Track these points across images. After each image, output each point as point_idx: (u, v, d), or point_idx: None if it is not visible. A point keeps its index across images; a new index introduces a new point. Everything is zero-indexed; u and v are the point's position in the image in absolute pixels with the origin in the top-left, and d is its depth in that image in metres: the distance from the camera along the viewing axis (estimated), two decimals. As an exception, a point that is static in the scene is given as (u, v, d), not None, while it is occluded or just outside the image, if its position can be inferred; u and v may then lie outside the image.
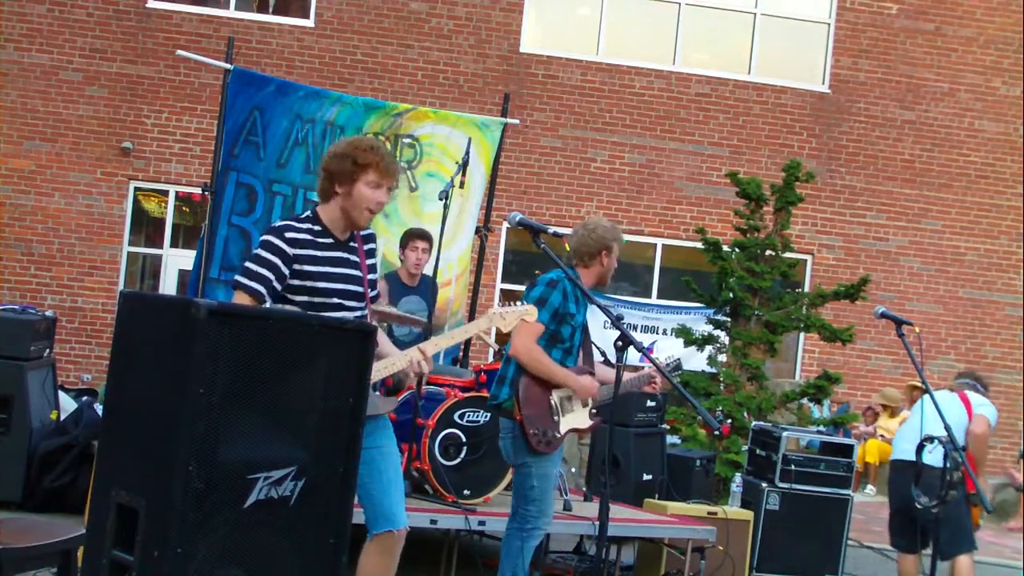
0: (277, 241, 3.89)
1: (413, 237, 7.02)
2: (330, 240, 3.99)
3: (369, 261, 4.12)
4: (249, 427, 3.21)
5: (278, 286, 3.89)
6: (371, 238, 4.20)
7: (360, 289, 4.04)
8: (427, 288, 6.90)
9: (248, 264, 3.91)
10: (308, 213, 4.07)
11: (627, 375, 5.24)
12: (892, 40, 14.14)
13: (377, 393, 4.11)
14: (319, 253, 3.95)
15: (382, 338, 4.19)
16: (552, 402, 5.03)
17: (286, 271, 3.89)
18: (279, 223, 4.03)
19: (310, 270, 3.92)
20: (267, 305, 3.87)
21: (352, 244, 4.07)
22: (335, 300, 3.96)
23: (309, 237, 3.94)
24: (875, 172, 14.08)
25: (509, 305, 4.46)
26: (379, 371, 3.99)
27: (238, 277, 3.92)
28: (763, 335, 9.65)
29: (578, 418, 5.14)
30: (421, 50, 13.40)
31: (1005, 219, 14.23)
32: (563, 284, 5.02)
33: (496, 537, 6.04)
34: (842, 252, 14.02)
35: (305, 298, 3.92)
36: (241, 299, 3.86)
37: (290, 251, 3.89)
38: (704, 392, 9.60)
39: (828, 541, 7.35)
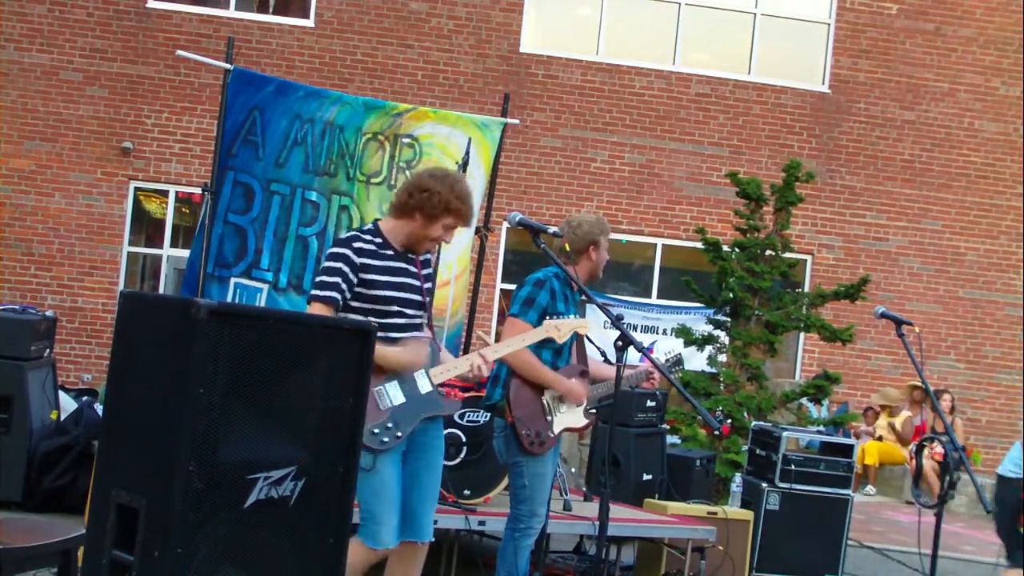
0: (346, 251, 4.13)
1: None
2: (390, 252, 4.23)
3: (425, 271, 4.37)
4: (249, 427, 3.22)
5: (348, 294, 4.12)
6: (428, 262, 4.47)
7: (419, 298, 4.28)
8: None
9: (322, 277, 4.13)
10: (370, 226, 4.30)
11: (626, 372, 5.24)
12: (892, 40, 14.14)
13: (443, 395, 4.36)
14: (382, 263, 4.18)
15: (439, 345, 4.48)
16: (545, 402, 5.02)
17: (354, 279, 4.12)
18: (347, 234, 4.28)
19: (373, 279, 4.13)
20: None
21: (410, 255, 4.30)
22: (395, 308, 4.19)
23: (373, 248, 4.19)
24: (875, 172, 14.08)
25: (562, 317, 4.71)
26: (441, 374, 4.29)
27: (314, 291, 4.12)
28: (763, 335, 9.66)
29: (572, 417, 5.13)
30: (421, 50, 13.40)
31: (1005, 219, 14.23)
32: (551, 283, 5.02)
33: (496, 537, 6.04)
34: (842, 252, 14.02)
35: (368, 305, 4.15)
36: (321, 312, 4.05)
37: (357, 260, 4.13)
38: (704, 392, 9.60)
39: (828, 541, 7.35)
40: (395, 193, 4.41)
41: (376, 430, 4.09)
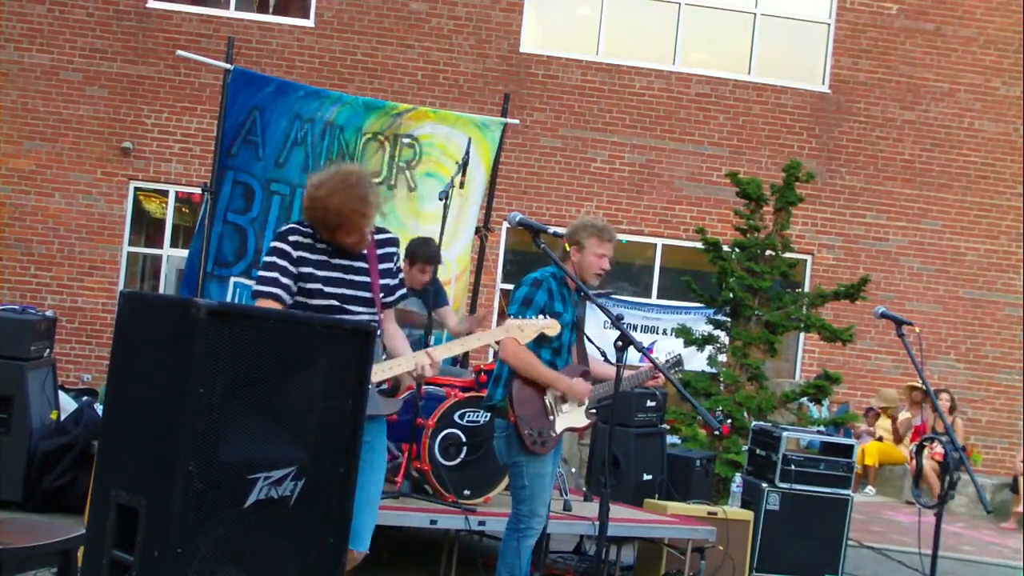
0: (282, 245, 3.92)
1: (425, 260, 6.73)
2: (329, 246, 3.98)
3: (383, 265, 4.09)
4: (249, 427, 3.22)
5: (293, 287, 3.90)
6: (388, 242, 4.17)
7: (366, 294, 4.02)
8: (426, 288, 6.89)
9: (263, 273, 3.92)
10: None
11: (628, 372, 5.23)
12: (892, 40, 14.14)
13: (389, 396, 4.09)
14: (319, 257, 3.95)
15: (397, 337, 4.19)
16: (547, 402, 5.02)
17: (295, 271, 3.90)
18: (284, 227, 4.03)
19: (311, 272, 3.93)
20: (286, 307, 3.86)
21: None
22: (335, 303, 3.95)
23: (310, 241, 3.95)
24: (875, 172, 14.08)
25: (529, 318, 4.48)
26: (382, 372, 3.98)
27: (256, 287, 3.92)
28: (763, 335, 9.65)
29: (574, 417, 5.13)
30: (421, 50, 13.40)
31: (1005, 219, 14.22)
32: (548, 283, 5.01)
33: (496, 537, 6.04)
34: (842, 252, 14.02)
35: (304, 299, 3.92)
36: (266, 306, 3.84)
37: (295, 253, 3.91)
38: (704, 392, 9.60)
39: (828, 541, 7.35)
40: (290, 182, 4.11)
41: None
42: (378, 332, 4.04)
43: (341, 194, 3.86)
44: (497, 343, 4.93)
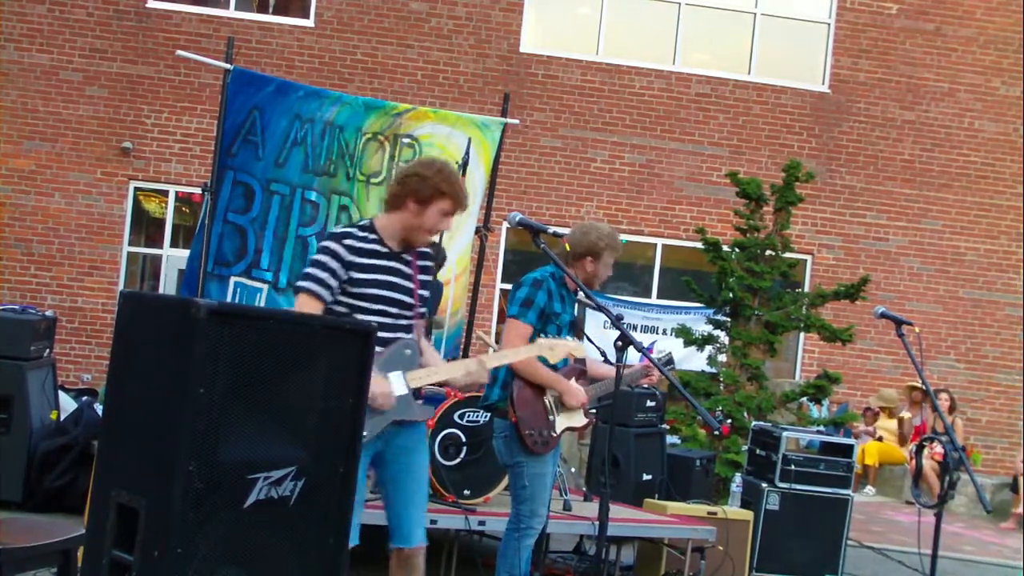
0: (336, 246, 4.06)
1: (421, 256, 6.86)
2: (384, 249, 4.15)
3: (422, 277, 4.27)
4: (249, 427, 3.21)
5: (337, 289, 4.04)
6: (428, 255, 4.36)
7: (407, 299, 4.18)
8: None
9: (309, 270, 4.06)
10: (366, 223, 4.21)
11: (623, 371, 5.23)
12: (892, 40, 14.14)
13: (419, 401, 4.22)
14: (371, 261, 4.11)
15: (428, 348, 4.38)
16: (547, 402, 5.03)
17: (344, 275, 4.04)
18: (339, 229, 4.19)
19: (361, 277, 4.07)
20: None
21: (406, 257, 4.21)
22: (379, 307, 4.09)
23: (364, 245, 4.11)
24: (875, 172, 14.08)
25: (557, 337, 4.65)
26: (422, 378, 4.16)
27: (300, 283, 4.06)
28: (763, 335, 9.66)
29: (573, 417, 5.13)
30: (421, 50, 13.40)
31: (1005, 219, 14.23)
32: (548, 283, 5.02)
33: (496, 537, 6.04)
34: (842, 252, 14.03)
35: (352, 301, 4.07)
36: (306, 303, 3.99)
37: (347, 257, 4.05)
38: (704, 392, 9.60)
39: (828, 541, 7.35)
40: (386, 188, 4.32)
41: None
42: (415, 339, 4.23)
43: (442, 166, 4.16)
44: (498, 342, 4.96)
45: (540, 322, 4.96)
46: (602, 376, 5.22)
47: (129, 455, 3.33)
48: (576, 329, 5.22)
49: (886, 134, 14.09)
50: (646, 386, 5.77)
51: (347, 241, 4.07)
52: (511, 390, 4.95)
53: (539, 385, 5.00)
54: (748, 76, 14.01)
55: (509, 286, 13.08)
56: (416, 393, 4.16)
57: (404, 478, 4.18)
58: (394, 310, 4.13)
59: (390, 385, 4.04)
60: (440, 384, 4.30)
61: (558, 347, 4.63)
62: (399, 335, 4.16)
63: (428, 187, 4.09)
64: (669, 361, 5.58)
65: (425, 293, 4.30)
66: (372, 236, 4.14)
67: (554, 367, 5.04)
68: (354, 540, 4.02)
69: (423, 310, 4.29)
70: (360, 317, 3.99)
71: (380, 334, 3.95)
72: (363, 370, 3.50)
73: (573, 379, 5.10)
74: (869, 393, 13.66)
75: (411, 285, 4.20)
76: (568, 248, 5.12)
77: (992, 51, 14.24)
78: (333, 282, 4.02)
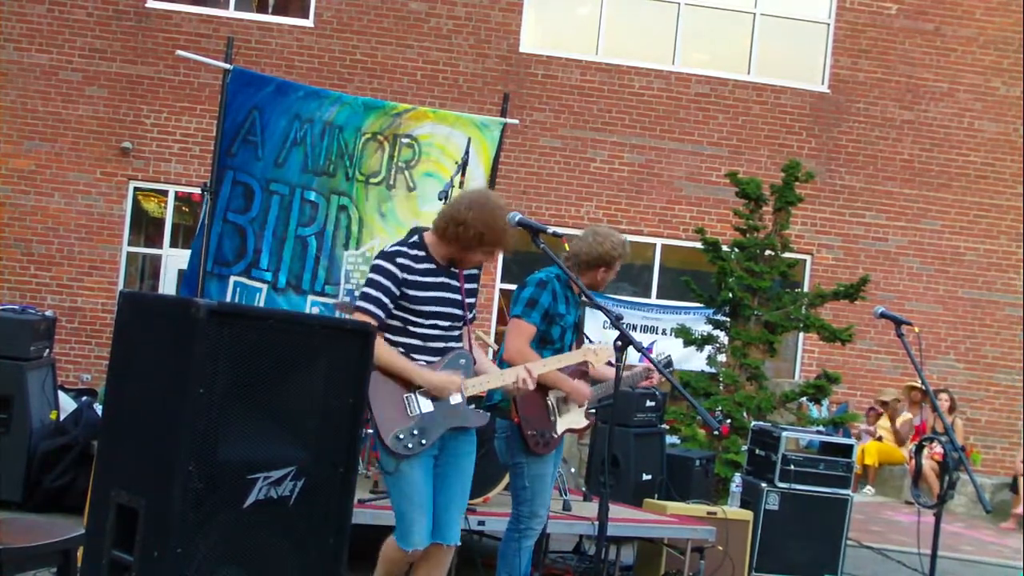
0: (389, 266, 4.26)
1: None
2: (432, 265, 4.35)
3: (468, 286, 4.48)
4: (249, 427, 3.22)
5: (392, 306, 4.25)
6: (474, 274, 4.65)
7: (458, 311, 4.41)
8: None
9: (366, 289, 4.28)
10: (415, 239, 4.40)
11: (624, 373, 5.23)
12: (892, 40, 14.14)
13: (471, 406, 4.47)
14: (422, 278, 4.31)
15: (481, 356, 4.61)
16: (548, 403, 5.02)
17: (397, 292, 4.25)
18: (390, 248, 4.38)
19: (414, 294, 4.28)
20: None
21: (453, 269, 4.41)
22: (431, 321, 4.32)
23: (414, 264, 4.31)
24: (874, 172, 14.08)
25: (601, 342, 4.84)
26: (475, 387, 4.43)
27: (358, 303, 4.29)
28: (762, 335, 9.65)
29: (574, 418, 5.13)
30: (421, 50, 13.40)
31: (1005, 219, 14.23)
32: (552, 284, 5.01)
33: (495, 537, 6.03)
34: (841, 252, 14.03)
35: (406, 315, 4.28)
36: (363, 319, 4.18)
37: (400, 275, 4.26)
38: (704, 392, 9.60)
39: (828, 541, 7.35)
40: (438, 213, 4.44)
41: (401, 435, 4.19)
42: (467, 349, 4.48)
43: (490, 214, 4.31)
44: (499, 343, 4.99)
45: (544, 323, 4.96)
46: (605, 377, 5.22)
47: (129, 455, 3.33)
48: (580, 331, 5.22)
49: (886, 134, 14.09)
50: (647, 387, 5.76)
51: (400, 260, 4.28)
52: None
53: (542, 385, 5.00)
54: (748, 76, 14.01)
55: (509, 286, 13.12)
56: (470, 400, 4.44)
57: (452, 480, 4.43)
58: (445, 323, 4.36)
59: (457, 374, 4.34)
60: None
61: (602, 352, 4.79)
62: (451, 344, 4.42)
63: (473, 237, 4.29)
64: (668, 363, 5.58)
65: (471, 301, 4.50)
66: (422, 254, 4.34)
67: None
68: (453, 539, 4.39)
69: (470, 316, 4.47)
70: (415, 331, 4.26)
71: (432, 344, 4.33)
72: (363, 370, 3.50)
73: (577, 379, 5.10)
74: (869, 393, 13.66)
75: (459, 297, 4.42)
76: (571, 248, 5.13)
77: (992, 51, 14.25)
78: (387, 300, 4.23)
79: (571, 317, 5.08)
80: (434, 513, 4.37)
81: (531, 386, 4.50)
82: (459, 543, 4.46)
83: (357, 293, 7.57)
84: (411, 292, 4.27)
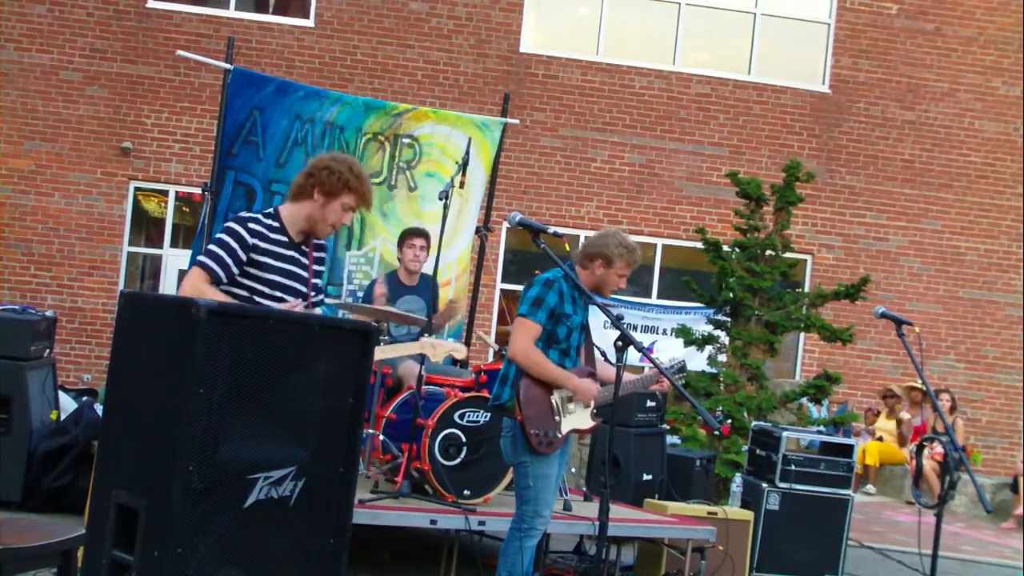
0: (240, 230, 4.14)
1: (410, 235, 7.08)
2: (284, 238, 4.23)
3: (316, 267, 4.38)
4: (249, 427, 3.21)
5: (235, 271, 4.12)
6: (323, 247, 4.47)
7: (302, 288, 4.28)
8: (427, 287, 6.89)
9: (211, 247, 4.15)
10: (271, 210, 4.31)
11: (634, 376, 5.24)
12: (892, 40, 14.14)
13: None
14: (273, 248, 4.19)
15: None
16: (553, 402, 5.01)
17: (243, 257, 4.11)
18: (245, 214, 4.31)
19: (264, 261, 4.15)
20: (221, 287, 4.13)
21: (304, 248, 4.30)
22: (277, 293, 4.19)
23: (267, 232, 4.19)
24: (875, 172, 14.08)
25: (440, 338, 4.78)
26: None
27: (199, 258, 4.14)
28: (763, 335, 9.65)
29: (580, 419, 5.12)
30: (421, 50, 13.40)
31: (1005, 219, 14.23)
32: (559, 284, 5.00)
33: (496, 537, 6.03)
34: (842, 252, 14.02)
35: (252, 284, 4.15)
36: (198, 277, 4.06)
37: (251, 240, 4.13)
38: (704, 392, 9.59)
39: (828, 541, 7.34)
40: (292, 181, 4.38)
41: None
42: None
43: (361, 172, 4.27)
44: (501, 345, 5.00)
45: (550, 322, 4.95)
46: (611, 380, 5.21)
47: (129, 455, 3.33)
48: (587, 332, 5.21)
49: (886, 134, 14.09)
50: (656, 390, 5.75)
51: (252, 225, 4.16)
52: (518, 389, 4.94)
53: (547, 385, 4.99)
54: (748, 76, 14.01)
55: (509, 286, 13.12)
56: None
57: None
58: (290, 297, 4.23)
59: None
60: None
61: (439, 347, 4.89)
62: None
63: (338, 181, 4.19)
64: (682, 368, 5.54)
65: (317, 282, 4.40)
66: (276, 224, 4.23)
67: (564, 367, 5.03)
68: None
69: (317, 298, 4.38)
70: (258, 301, 4.11)
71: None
72: (363, 370, 3.50)
73: (584, 379, 5.10)
74: (869, 393, 13.66)
75: (306, 275, 4.30)
76: (568, 247, 5.12)
77: (992, 51, 14.24)
78: (231, 262, 4.09)
79: (578, 317, 5.07)
80: None
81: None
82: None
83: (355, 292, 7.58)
84: (261, 259, 4.15)
